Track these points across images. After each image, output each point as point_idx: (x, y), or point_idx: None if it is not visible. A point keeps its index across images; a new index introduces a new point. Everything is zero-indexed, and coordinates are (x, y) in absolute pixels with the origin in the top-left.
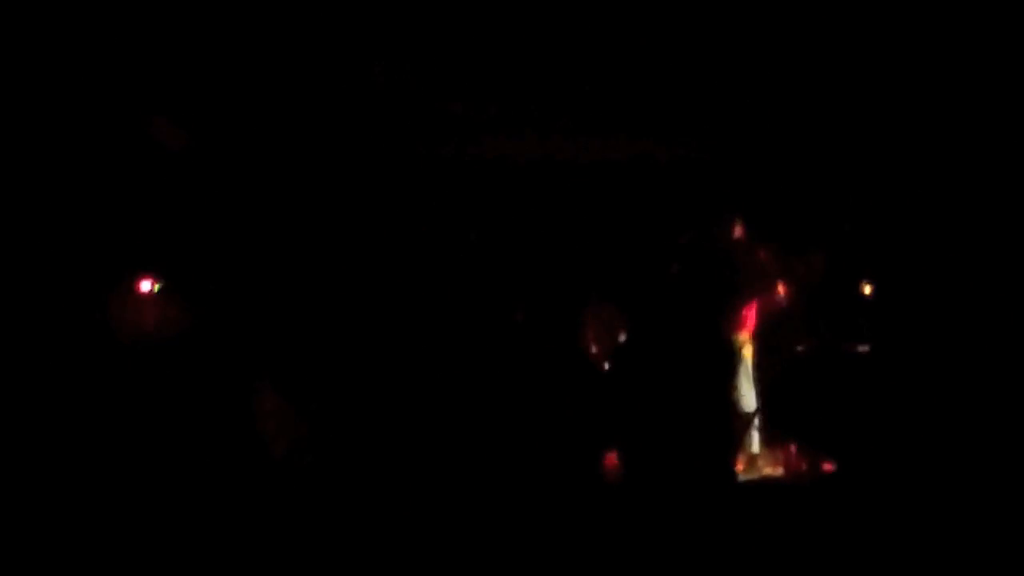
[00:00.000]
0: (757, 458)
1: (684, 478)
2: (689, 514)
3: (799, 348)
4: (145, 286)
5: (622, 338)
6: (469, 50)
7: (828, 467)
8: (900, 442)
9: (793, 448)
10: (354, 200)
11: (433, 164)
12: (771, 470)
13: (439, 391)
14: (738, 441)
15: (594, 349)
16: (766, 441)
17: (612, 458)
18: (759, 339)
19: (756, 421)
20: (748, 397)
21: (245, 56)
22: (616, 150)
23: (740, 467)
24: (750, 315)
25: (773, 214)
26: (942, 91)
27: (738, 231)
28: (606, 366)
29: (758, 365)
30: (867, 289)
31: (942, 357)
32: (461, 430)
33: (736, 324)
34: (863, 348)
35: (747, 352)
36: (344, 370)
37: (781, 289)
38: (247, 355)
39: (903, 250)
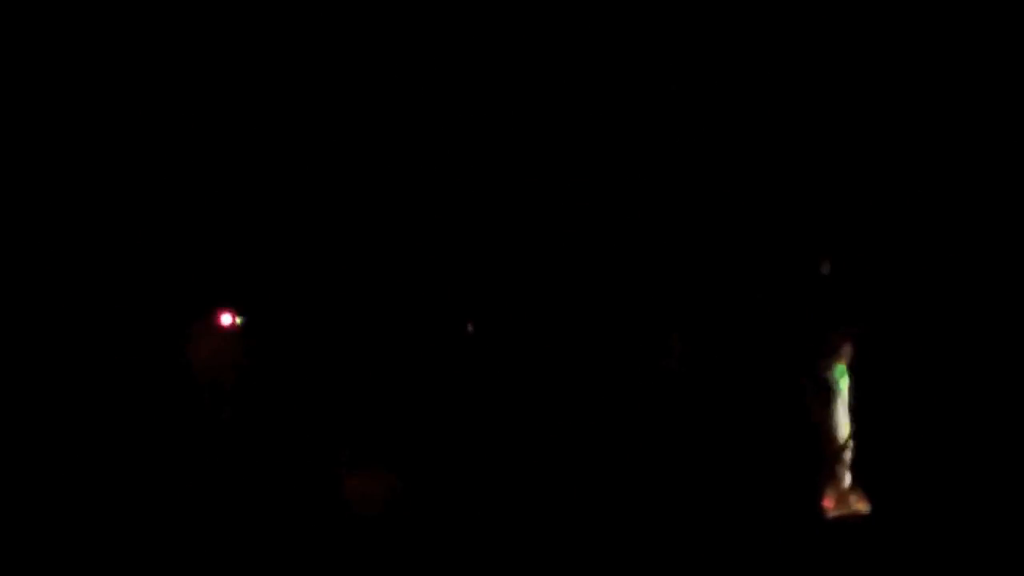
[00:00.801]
0: (849, 493)
1: (769, 514)
2: (776, 552)
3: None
4: (225, 321)
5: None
6: None
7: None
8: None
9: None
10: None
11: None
12: (863, 506)
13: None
14: (828, 475)
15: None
16: (858, 476)
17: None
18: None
19: (848, 454)
20: (842, 428)
21: None
22: None
23: (831, 503)
24: (848, 343)
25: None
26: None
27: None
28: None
29: (854, 396)
30: None
31: None
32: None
33: (836, 352)
34: None
35: (844, 383)
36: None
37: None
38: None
39: None
